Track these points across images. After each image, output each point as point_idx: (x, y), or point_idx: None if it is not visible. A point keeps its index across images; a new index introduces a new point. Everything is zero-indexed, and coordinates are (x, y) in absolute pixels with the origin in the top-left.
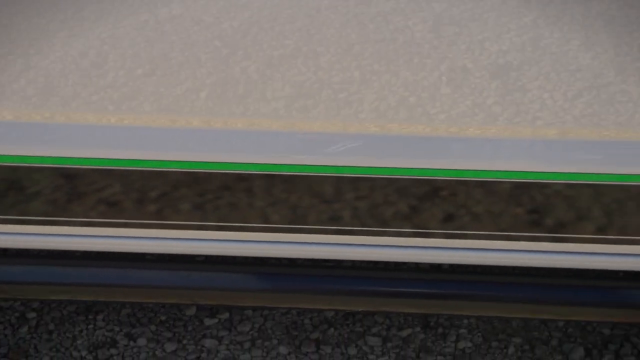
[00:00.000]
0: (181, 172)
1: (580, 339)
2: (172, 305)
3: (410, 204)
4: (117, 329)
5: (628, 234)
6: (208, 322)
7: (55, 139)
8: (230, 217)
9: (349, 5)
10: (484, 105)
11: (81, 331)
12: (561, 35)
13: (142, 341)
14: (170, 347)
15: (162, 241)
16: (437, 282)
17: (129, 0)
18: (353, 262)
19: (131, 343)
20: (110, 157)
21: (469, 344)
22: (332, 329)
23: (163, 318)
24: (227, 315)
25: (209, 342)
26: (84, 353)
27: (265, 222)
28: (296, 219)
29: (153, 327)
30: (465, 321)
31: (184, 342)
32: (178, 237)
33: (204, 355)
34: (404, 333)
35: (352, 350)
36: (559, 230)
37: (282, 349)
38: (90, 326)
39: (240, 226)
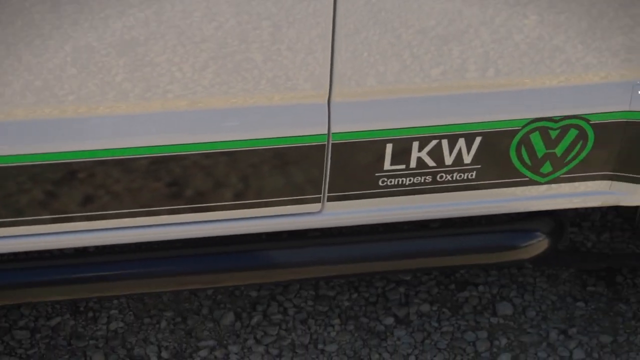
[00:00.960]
0: None
1: (230, 304)
2: None
3: (46, 190)
4: None
5: (265, 197)
6: None
7: None
8: None
9: None
10: (114, 83)
11: None
12: (183, 7)
13: None
14: None
15: None
16: (82, 266)
17: None
18: None
19: None
20: None
21: (121, 324)
22: None
23: None
24: None
25: None
26: None
27: None
28: None
29: None
30: (116, 302)
31: None
32: None
33: None
34: (53, 322)
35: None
36: (199, 201)
37: None
38: None
39: None
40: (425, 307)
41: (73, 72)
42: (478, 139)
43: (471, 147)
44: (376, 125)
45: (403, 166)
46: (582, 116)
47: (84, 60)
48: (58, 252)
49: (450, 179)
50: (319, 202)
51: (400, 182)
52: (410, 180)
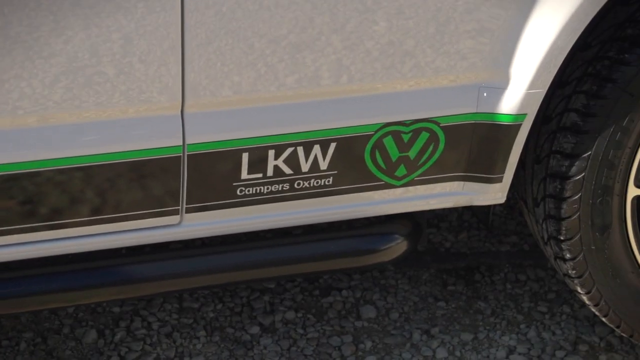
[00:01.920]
0: None
1: (92, 322)
2: None
3: None
4: None
5: (123, 212)
6: None
7: None
8: None
9: None
10: None
11: None
12: (30, 22)
13: None
14: None
15: None
16: None
17: None
18: None
19: None
20: None
21: None
22: None
23: None
24: None
25: None
26: None
27: None
28: None
29: None
30: None
31: None
32: None
33: None
34: None
35: None
36: (55, 218)
37: None
38: None
39: None
40: (291, 314)
41: None
42: (333, 145)
43: (326, 153)
44: (231, 135)
45: (260, 175)
46: (432, 119)
47: None
48: None
49: (308, 185)
50: (178, 214)
51: (258, 191)
52: (268, 188)
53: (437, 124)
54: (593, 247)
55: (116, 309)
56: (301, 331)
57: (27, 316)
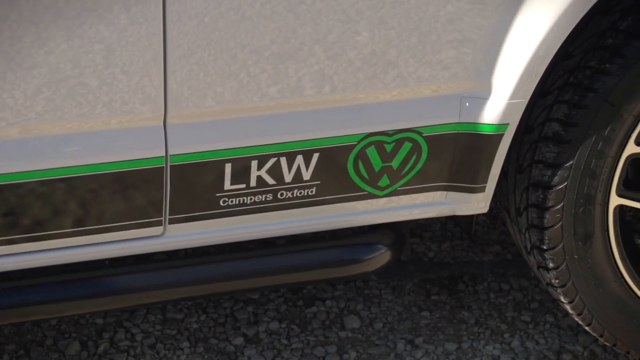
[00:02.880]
0: None
1: (75, 333)
2: None
3: None
4: None
5: (106, 223)
6: None
7: None
8: None
9: None
10: None
11: None
12: (11, 33)
13: None
14: None
15: None
16: None
17: None
18: None
19: None
20: None
21: None
22: None
23: None
24: None
25: None
26: None
27: None
28: None
29: None
30: None
31: None
32: None
33: None
34: None
35: None
36: (37, 229)
37: None
38: None
39: None
40: (275, 325)
41: None
42: (316, 155)
43: (309, 163)
44: (214, 145)
45: (243, 185)
46: (415, 129)
47: None
48: None
49: (291, 196)
50: (161, 225)
51: (241, 202)
52: (251, 199)
53: (420, 134)
54: (576, 256)
55: (99, 321)
56: (285, 342)
57: (10, 328)
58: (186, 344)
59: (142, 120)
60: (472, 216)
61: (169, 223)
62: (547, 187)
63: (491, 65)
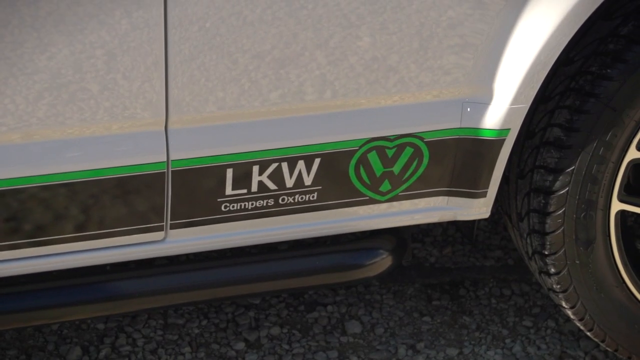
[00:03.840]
0: None
1: (77, 338)
2: None
3: None
4: None
5: (107, 228)
6: None
7: None
8: None
9: None
10: None
11: None
12: (13, 38)
13: None
14: None
15: None
16: None
17: None
18: None
19: None
20: None
21: None
22: None
23: None
24: None
25: None
26: None
27: None
28: None
29: None
30: None
31: None
32: None
33: None
34: None
35: None
36: (39, 235)
37: None
38: None
39: None
40: (276, 330)
41: None
42: (317, 161)
43: (311, 169)
44: (215, 150)
45: (245, 190)
46: (416, 134)
47: None
48: None
49: (293, 201)
50: (162, 230)
51: (243, 207)
52: (252, 204)
53: (421, 139)
54: (577, 262)
55: (101, 326)
56: (287, 347)
57: (11, 333)
58: (187, 349)
59: (143, 126)
60: (473, 221)
61: (171, 228)
62: (548, 192)
63: (492, 70)
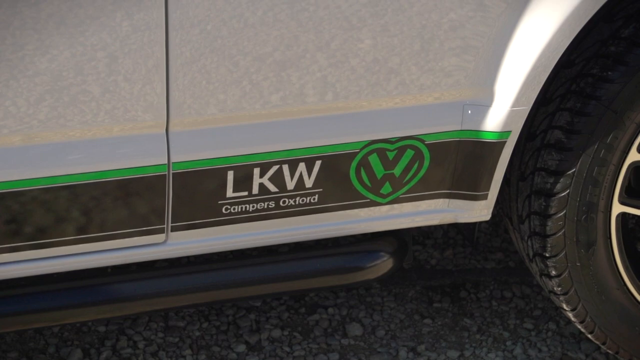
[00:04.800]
0: None
1: (77, 341)
2: None
3: None
4: None
5: (108, 230)
6: None
7: None
8: None
9: None
10: None
11: None
12: (14, 40)
13: None
14: None
15: None
16: None
17: None
18: None
19: None
20: None
21: None
22: None
23: None
24: None
25: None
26: None
27: None
28: None
29: None
30: None
31: None
32: None
33: None
34: None
35: None
36: (40, 237)
37: None
38: None
39: None
40: (277, 333)
41: None
42: (318, 163)
43: (312, 171)
44: (216, 153)
45: (246, 193)
46: (417, 137)
47: None
48: None
49: (293, 203)
50: (163, 232)
51: (244, 209)
52: (253, 206)
53: (422, 141)
54: (578, 264)
55: (102, 328)
56: (287, 349)
57: (12, 336)
58: (188, 351)
59: (144, 128)
60: (474, 223)
61: (172, 231)
62: (549, 194)
63: (493, 72)
